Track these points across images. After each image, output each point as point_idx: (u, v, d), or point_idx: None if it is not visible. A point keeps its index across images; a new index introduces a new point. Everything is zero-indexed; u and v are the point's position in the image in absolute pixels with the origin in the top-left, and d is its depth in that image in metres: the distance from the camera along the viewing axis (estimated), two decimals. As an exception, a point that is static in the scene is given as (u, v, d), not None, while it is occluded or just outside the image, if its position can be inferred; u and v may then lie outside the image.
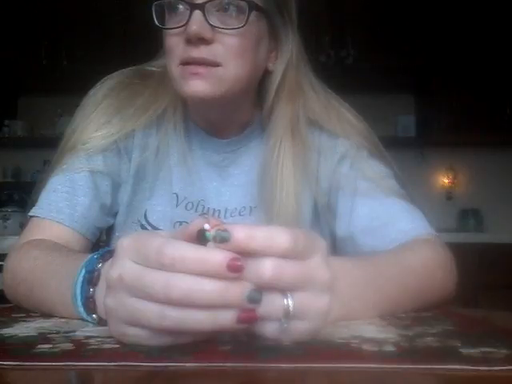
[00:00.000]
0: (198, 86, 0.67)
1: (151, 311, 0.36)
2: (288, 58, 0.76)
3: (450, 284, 0.68)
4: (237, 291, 0.36)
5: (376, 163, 0.79)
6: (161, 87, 0.79)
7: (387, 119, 2.91)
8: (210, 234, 0.37)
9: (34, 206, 0.75)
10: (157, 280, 0.36)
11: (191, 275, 0.35)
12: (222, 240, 0.36)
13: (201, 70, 0.67)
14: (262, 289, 0.37)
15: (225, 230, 0.36)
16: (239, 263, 0.35)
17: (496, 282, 2.41)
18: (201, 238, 0.38)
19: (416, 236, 0.71)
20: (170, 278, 0.35)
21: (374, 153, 0.80)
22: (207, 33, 0.66)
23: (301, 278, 0.38)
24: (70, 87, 2.78)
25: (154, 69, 0.82)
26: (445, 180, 3.10)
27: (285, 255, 0.37)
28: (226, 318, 0.36)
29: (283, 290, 0.38)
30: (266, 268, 0.36)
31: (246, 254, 0.37)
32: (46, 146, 2.83)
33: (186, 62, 0.67)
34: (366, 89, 2.77)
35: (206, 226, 0.38)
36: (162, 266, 0.36)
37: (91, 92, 0.81)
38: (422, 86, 2.94)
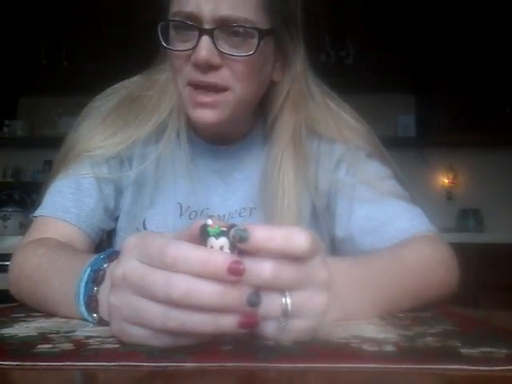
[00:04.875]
0: (205, 114, 0.68)
1: (155, 311, 0.36)
2: (296, 71, 0.76)
3: (451, 281, 0.68)
4: (236, 294, 0.36)
5: (375, 164, 0.79)
6: (163, 95, 0.79)
7: (387, 119, 2.91)
8: (212, 229, 0.37)
9: (37, 207, 0.75)
10: (158, 279, 0.36)
11: (192, 276, 0.35)
12: (241, 239, 0.36)
13: (208, 99, 0.67)
14: (260, 289, 0.37)
15: (244, 230, 0.37)
16: (240, 266, 0.36)
17: (496, 282, 2.41)
18: (203, 234, 0.38)
19: (415, 233, 0.71)
20: (170, 278, 0.36)
21: (372, 153, 0.80)
22: (216, 59, 0.65)
23: (299, 278, 0.38)
24: (70, 87, 2.80)
25: (158, 76, 0.81)
26: (445, 180, 3.10)
27: (301, 257, 0.37)
28: (228, 322, 0.36)
29: (282, 289, 0.38)
30: (265, 269, 0.36)
31: (247, 253, 0.37)
32: (46, 146, 2.86)
33: (195, 85, 0.67)
34: (365, 89, 2.77)
35: (209, 222, 0.38)
36: (165, 266, 0.36)
37: (99, 102, 0.81)
38: (422, 85, 2.94)
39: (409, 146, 2.92)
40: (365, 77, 2.75)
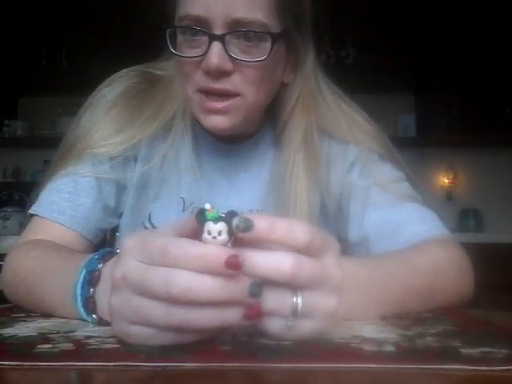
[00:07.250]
0: (218, 120, 0.67)
1: (157, 309, 0.36)
2: (306, 72, 0.75)
3: (464, 285, 0.67)
4: (237, 286, 0.36)
5: (387, 166, 0.79)
6: (169, 93, 0.77)
7: (387, 119, 2.90)
8: (210, 214, 0.37)
9: (34, 203, 0.74)
10: (157, 277, 0.36)
11: (192, 271, 0.35)
12: (246, 229, 0.36)
13: (220, 105, 0.66)
14: (271, 285, 0.37)
15: (247, 219, 0.36)
16: (238, 260, 0.35)
17: (496, 282, 2.41)
18: (199, 218, 0.37)
19: (429, 237, 0.70)
20: (170, 275, 0.36)
21: (385, 155, 0.79)
22: (227, 65, 0.64)
23: (317, 276, 0.38)
24: (70, 87, 2.80)
25: (162, 73, 0.80)
26: (445, 180, 3.10)
27: (302, 249, 0.38)
28: (232, 315, 0.36)
29: (296, 287, 0.38)
30: (287, 263, 0.37)
31: (266, 246, 0.37)
32: (46, 146, 2.84)
33: (205, 91, 0.66)
34: (366, 89, 2.76)
35: (207, 206, 0.37)
36: (166, 265, 0.36)
37: (100, 93, 0.79)
38: (422, 85, 2.93)
39: (409, 146, 2.91)
40: (365, 77, 2.74)
